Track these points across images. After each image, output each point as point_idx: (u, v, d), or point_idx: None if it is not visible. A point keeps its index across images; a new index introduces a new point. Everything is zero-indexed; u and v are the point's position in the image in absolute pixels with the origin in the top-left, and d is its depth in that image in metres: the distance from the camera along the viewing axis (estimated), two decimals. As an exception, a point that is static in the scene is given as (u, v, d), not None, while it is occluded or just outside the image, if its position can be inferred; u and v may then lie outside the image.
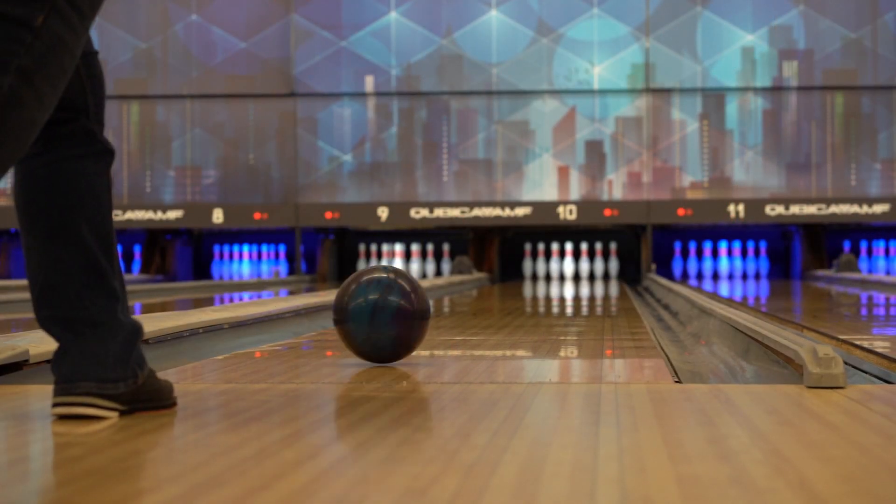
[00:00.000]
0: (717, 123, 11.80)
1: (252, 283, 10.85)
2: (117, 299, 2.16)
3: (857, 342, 3.61)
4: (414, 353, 3.35)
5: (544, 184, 11.90)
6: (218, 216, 11.84)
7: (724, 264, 12.24)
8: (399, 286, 3.10)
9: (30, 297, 2.19)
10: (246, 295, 8.28)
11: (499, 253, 12.34)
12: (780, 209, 11.49)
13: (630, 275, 12.19)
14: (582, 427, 1.99)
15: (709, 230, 12.33)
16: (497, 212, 11.75)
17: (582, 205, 11.68)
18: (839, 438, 1.88)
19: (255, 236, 12.67)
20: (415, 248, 12.47)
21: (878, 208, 11.46)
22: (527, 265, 12.46)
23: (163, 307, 6.15)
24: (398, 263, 12.37)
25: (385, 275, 3.12)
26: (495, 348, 3.75)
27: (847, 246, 12.11)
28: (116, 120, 12.05)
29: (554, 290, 9.53)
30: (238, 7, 12.06)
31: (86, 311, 2.13)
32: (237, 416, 2.15)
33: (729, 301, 6.67)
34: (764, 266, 12.24)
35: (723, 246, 12.29)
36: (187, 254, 12.65)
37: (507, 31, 11.94)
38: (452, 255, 12.28)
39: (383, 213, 11.75)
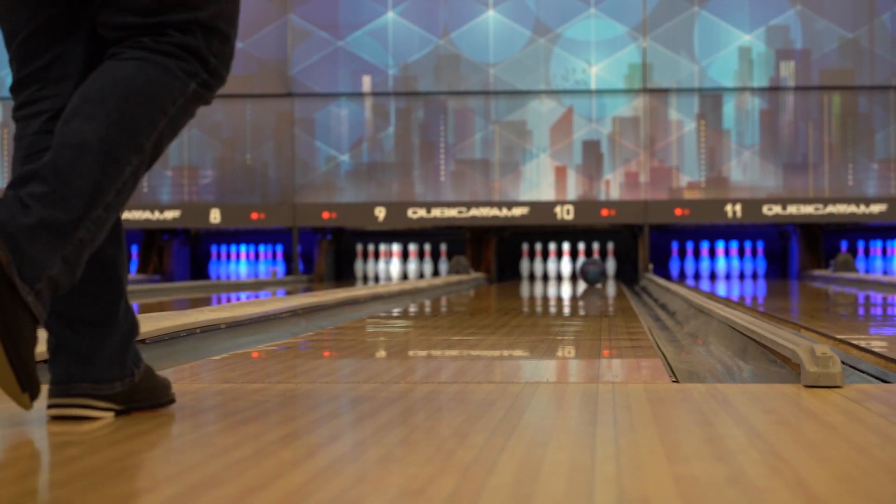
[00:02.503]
0: (714, 123, 11.80)
1: (249, 282, 10.85)
2: (122, 294, 2.12)
3: (855, 342, 3.61)
4: (410, 353, 3.37)
5: (541, 184, 11.90)
6: (215, 216, 11.83)
7: (721, 264, 12.24)
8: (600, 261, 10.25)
9: None
10: (243, 295, 8.28)
11: (496, 253, 12.34)
12: (777, 209, 11.49)
13: (627, 275, 12.20)
14: (579, 427, 1.99)
15: (706, 230, 12.34)
16: (494, 212, 11.75)
17: (579, 205, 11.69)
18: (837, 438, 1.88)
19: (253, 236, 12.66)
20: (412, 248, 12.47)
21: (875, 208, 11.47)
22: (524, 265, 12.46)
23: (160, 307, 6.15)
24: (395, 263, 12.37)
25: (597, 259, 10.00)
26: (492, 348, 3.75)
27: (844, 246, 12.12)
28: (113, 120, 12.03)
29: (551, 290, 9.53)
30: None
31: (87, 308, 2.09)
32: (234, 416, 2.15)
33: (726, 301, 6.68)
34: (761, 266, 12.25)
35: (720, 246, 12.29)
36: (184, 254, 12.64)
37: (505, 31, 11.94)
38: (450, 255, 12.28)
39: (380, 213, 11.74)
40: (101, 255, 2.09)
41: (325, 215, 11.78)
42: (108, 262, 2.11)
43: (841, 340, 3.71)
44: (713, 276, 12.12)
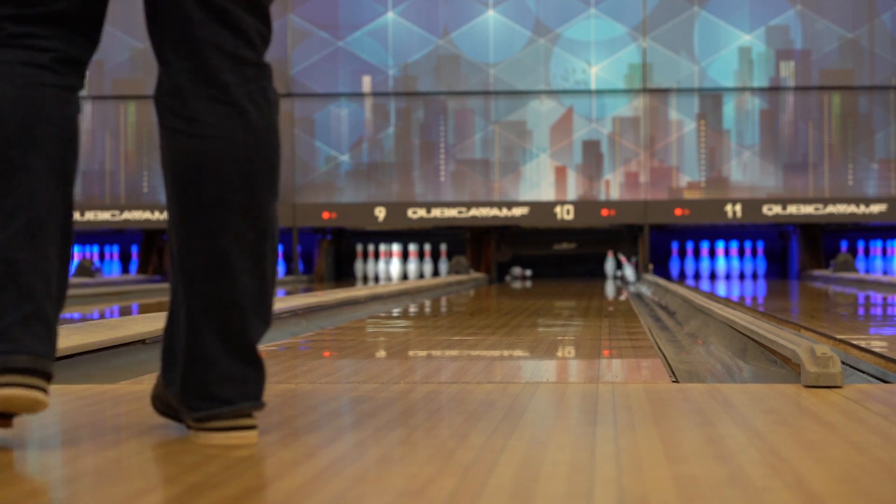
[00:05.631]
0: (714, 123, 11.80)
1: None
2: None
3: (855, 342, 3.61)
4: (410, 353, 3.38)
5: (541, 184, 11.90)
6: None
7: (721, 264, 12.24)
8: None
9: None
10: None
11: (496, 253, 12.34)
12: (777, 209, 11.49)
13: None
14: (579, 427, 1.99)
15: (706, 230, 12.33)
16: (494, 212, 11.75)
17: (579, 205, 11.68)
18: (837, 438, 1.88)
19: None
20: (412, 248, 12.46)
21: (875, 208, 11.47)
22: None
23: (160, 307, 6.14)
24: (395, 263, 12.37)
25: None
26: (492, 348, 3.75)
27: (844, 246, 12.12)
28: (114, 120, 12.04)
29: (552, 291, 9.53)
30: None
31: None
32: (234, 417, 2.14)
33: (726, 301, 6.68)
34: (761, 266, 12.24)
35: (720, 246, 12.29)
36: (184, 254, 12.62)
37: (505, 31, 11.93)
38: (450, 255, 12.27)
39: (381, 213, 11.74)
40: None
41: (326, 215, 11.78)
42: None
43: (841, 340, 3.71)
44: (713, 276, 12.12)
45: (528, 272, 12.34)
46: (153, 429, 1.99)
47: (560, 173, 11.90)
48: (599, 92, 11.85)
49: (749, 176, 11.74)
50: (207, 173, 1.84)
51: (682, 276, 12.17)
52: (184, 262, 1.85)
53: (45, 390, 1.75)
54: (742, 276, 12.12)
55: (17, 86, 1.78)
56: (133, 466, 1.70)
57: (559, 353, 3.61)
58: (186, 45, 1.87)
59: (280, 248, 12.56)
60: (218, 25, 1.86)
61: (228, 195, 1.84)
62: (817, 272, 11.19)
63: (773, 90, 11.76)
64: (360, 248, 12.48)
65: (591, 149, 11.89)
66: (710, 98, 11.79)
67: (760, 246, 12.31)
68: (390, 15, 11.96)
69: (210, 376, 1.84)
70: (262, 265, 1.89)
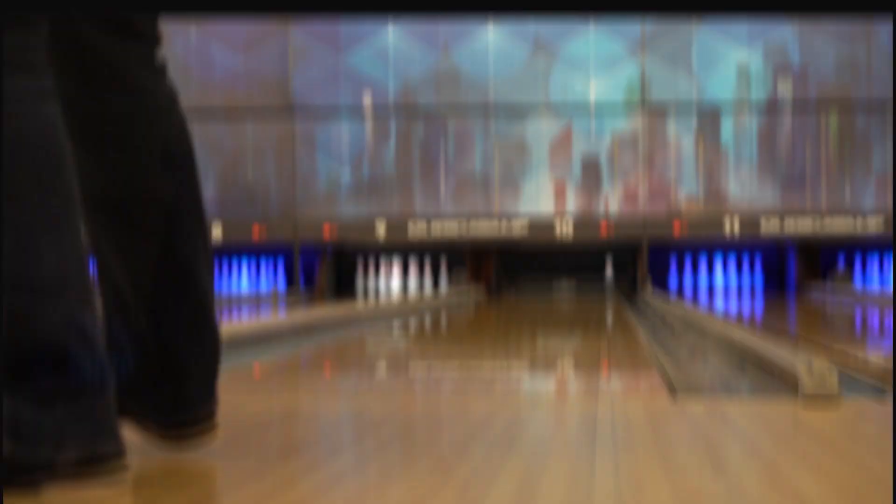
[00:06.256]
0: (712, 139, 11.83)
1: (250, 298, 10.85)
2: None
3: (853, 356, 3.62)
4: (410, 367, 3.40)
5: (541, 200, 11.92)
6: (216, 231, 11.85)
7: (719, 279, 12.25)
8: None
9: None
10: (244, 310, 8.28)
11: (496, 267, 12.35)
12: (775, 224, 11.51)
13: (626, 289, 12.20)
14: (578, 441, 2.01)
15: (704, 245, 12.35)
16: (494, 230, 11.77)
17: (578, 220, 11.70)
18: (834, 453, 1.89)
19: (254, 251, 12.66)
20: (412, 261, 12.48)
21: (873, 223, 11.49)
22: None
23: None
24: (396, 277, 12.38)
25: None
26: (492, 362, 3.76)
27: (841, 260, 12.13)
28: (114, 136, 12.06)
29: (552, 305, 9.53)
30: (236, 23, 12.09)
31: None
32: (235, 432, 2.16)
33: (724, 315, 6.69)
34: (759, 280, 12.26)
35: (718, 260, 12.31)
36: (184, 269, 12.61)
37: (504, 48, 11.97)
38: (450, 269, 12.29)
39: (381, 229, 11.76)
40: None
41: (327, 230, 11.80)
42: None
43: (839, 354, 3.72)
44: (711, 291, 12.13)
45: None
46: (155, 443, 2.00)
47: (559, 189, 11.92)
48: (598, 108, 11.88)
49: (747, 191, 11.77)
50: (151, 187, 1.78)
51: (680, 290, 12.18)
52: (145, 286, 1.78)
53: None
54: (740, 291, 12.13)
55: (50, 124, 1.59)
56: (133, 480, 1.71)
57: (558, 367, 3.62)
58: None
59: (281, 263, 12.60)
60: (132, 45, 1.78)
61: (179, 201, 1.77)
62: (815, 286, 11.20)
63: (771, 106, 11.79)
64: (360, 262, 12.49)
65: (590, 165, 11.91)
66: (709, 114, 11.83)
67: (758, 260, 12.32)
68: (391, 32, 12.00)
69: (184, 390, 1.83)
70: (211, 253, 1.84)
